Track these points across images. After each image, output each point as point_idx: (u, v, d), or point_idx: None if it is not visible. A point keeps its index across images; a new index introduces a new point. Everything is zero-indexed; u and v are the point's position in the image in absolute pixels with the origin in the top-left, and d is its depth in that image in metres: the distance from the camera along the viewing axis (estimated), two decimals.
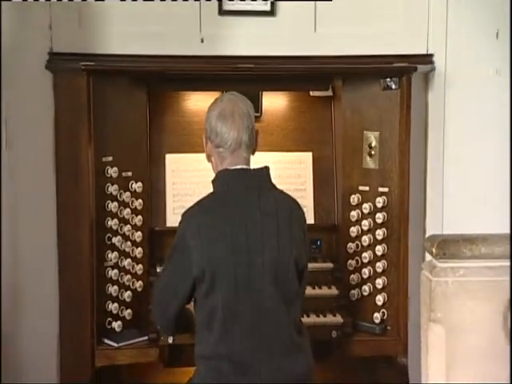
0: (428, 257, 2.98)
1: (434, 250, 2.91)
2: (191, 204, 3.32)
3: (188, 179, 4.03)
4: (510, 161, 4.08)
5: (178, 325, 3.34)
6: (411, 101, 3.95)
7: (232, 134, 3.25)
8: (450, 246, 2.92)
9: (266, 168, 3.31)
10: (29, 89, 4.03)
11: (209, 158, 3.36)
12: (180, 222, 3.28)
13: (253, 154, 3.33)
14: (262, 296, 3.19)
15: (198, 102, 4.09)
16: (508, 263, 2.93)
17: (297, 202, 3.39)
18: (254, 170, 3.33)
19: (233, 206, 3.23)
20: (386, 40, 4.20)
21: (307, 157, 4.17)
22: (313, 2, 4.22)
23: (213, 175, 3.33)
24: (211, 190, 3.31)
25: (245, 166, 3.27)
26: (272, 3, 4.18)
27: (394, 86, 3.98)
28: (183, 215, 3.28)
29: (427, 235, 3.95)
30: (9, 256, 4.06)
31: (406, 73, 3.94)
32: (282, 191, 3.36)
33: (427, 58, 4.21)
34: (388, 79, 3.98)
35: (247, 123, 3.27)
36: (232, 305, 3.17)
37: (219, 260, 3.15)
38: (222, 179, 3.27)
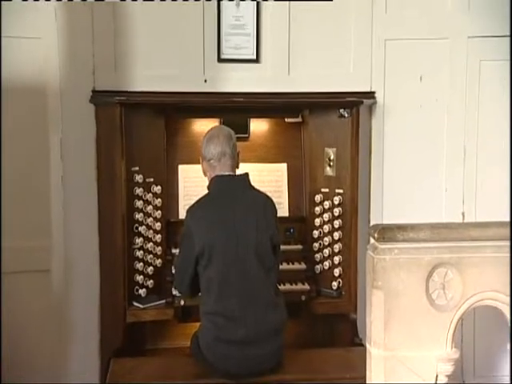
0: (371, 240, 2.99)
1: (375, 235, 2.93)
2: (189, 206, 3.47)
3: (195, 183, 4.01)
4: None
5: (191, 289, 3.43)
6: (359, 125, 3.96)
7: (217, 148, 3.45)
8: (387, 232, 2.94)
9: (246, 174, 3.49)
10: (77, 117, 3.98)
11: (204, 173, 3.53)
12: (185, 216, 3.43)
13: (237, 167, 3.47)
14: (248, 265, 3.31)
15: (202, 126, 4.06)
16: (429, 244, 2.96)
17: (269, 197, 3.54)
18: (237, 175, 3.51)
19: (222, 202, 3.40)
20: (340, 81, 4.16)
21: (283, 167, 4.16)
22: (286, 54, 4.14)
23: None
24: None
25: (231, 173, 3.45)
26: (257, 54, 4.13)
27: (346, 115, 3.97)
28: (187, 210, 3.45)
29: (371, 224, 3.99)
30: (61, 240, 4.02)
31: (355, 105, 3.95)
32: (258, 190, 3.52)
33: (370, 95, 4.19)
34: (342, 110, 3.98)
35: (228, 141, 3.50)
36: (225, 273, 3.30)
37: (214, 240, 3.29)
38: (213, 183, 3.45)
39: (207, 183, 3.57)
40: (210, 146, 3.45)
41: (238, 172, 3.56)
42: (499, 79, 4.14)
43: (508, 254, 2.90)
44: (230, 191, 3.43)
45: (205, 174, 3.55)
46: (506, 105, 4.13)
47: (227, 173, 3.44)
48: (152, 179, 3.88)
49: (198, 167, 3.86)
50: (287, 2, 4.12)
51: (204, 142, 3.51)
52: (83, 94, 3.97)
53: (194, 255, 3.32)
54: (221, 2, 4.07)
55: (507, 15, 4.09)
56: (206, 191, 3.55)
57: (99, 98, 3.98)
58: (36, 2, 3.85)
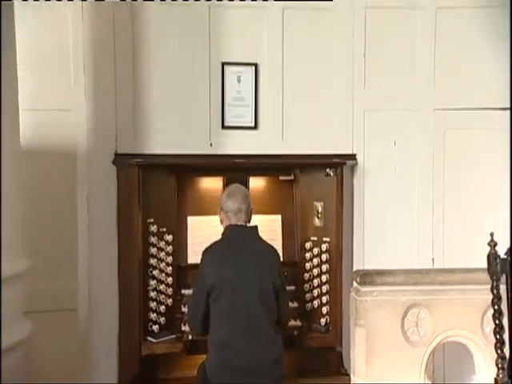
0: (354, 284, 3.02)
1: (358, 279, 2.99)
2: (204, 248, 3.41)
3: (201, 233, 3.98)
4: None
5: (203, 325, 3.36)
6: (343, 183, 3.96)
7: (235, 204, 3.42)
8: (368, 277, 3.00)
9: (256, 226, 3.47)
10: (101, 176, 4.02)
11: (221, 222, 3.50)
12: (201, 256, 3.41)
13: (249, 221, 3.46)
14: (251, 304, 3.28)
15: (208, 183, 4.07)
16: (404, 288, 3.01)
17: (274, 249, 3.51)
18: (248, 226, 3.47)
19: (233, 247, 3.38)
20: (326, 144, 4.22)
21: (278, 218, 4.14)
22: (280, 122, 4.20)
23: (217, 231, 3.43)
24: (217, 239, 3.41)
25: (243, 224, 3.43)
26: (255, 122, 4.19)
27: (332, 174, 3.98)
28: (203, 252, 3.42)
29: (354, 268, 4.03)
30: (86, 282, 4.04)
31: (339, 166, 3.96)
32: (264, 241, 3.49)
33: (352, 157, 4.24)
34: (328, 169, 3.98)
35: (245, 200, 3.45)
36: (231, 308, 3.27)
37: (223, 279, 3.27)
38: (227, 230, 3.44)
39: (215, 231, 3.54)
40: (229, 201, 3.45)
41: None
42: (461, 145, 4.23)
43: (472, 296, 2.96)
44: (241, 239, 3.44)
45: (221, 223, 3.53)
46: (468, 167, 4.22)
47: (240, 223, 3.44)
48: (165, 229, 3.87)
49: (204, 218, 3.89)
50: (280, 80, 4.19)
51: (224, 197, 3.50)
52: (107, 157, 4.02)
53: (206, 290, 3.30)
54: (224, 78, 4.14)
55: (468, 89, 4.23)
56: (211, 239, 3.51)
57: (120, 160, 4.02)
58: (68, 78, 3.95)
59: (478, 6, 4.19)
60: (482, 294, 2.78)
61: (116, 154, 4.04)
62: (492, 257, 2.72)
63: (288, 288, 4.01)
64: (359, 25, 4.19)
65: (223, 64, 4.13)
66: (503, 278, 2.73)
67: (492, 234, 2.86)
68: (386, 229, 4.26)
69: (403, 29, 4.22)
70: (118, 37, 4.00)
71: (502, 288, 2.64)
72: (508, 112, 4.20)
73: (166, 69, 4.08)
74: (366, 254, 4.25)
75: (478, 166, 4.23)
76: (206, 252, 3.41)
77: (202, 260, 3.39)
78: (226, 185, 3.96)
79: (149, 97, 4.08)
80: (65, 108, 3.95)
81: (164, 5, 4.04)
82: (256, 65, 4.16)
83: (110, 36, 3.99)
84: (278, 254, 3.50)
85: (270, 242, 3.78)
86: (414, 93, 4.27)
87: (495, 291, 2.65)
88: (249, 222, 3.49)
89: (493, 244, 2.79)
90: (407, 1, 4.19)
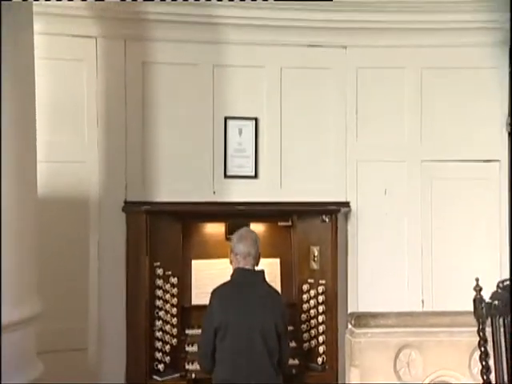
0: (349, 325, 3.02)
1: (352, 321, 2.99)
2: (208, 291, 3.42)
3: (205, 275, 3.97)
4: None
5: (211, 363, 3.33)
6: (337, 229, 3.97)
7: (245, 248, 3.43)
8: (361, 320, 3.00)
9: (262, 271, 3.50)
10: (112, 222, 4.03)
11: (231, 262, 3.51)
12: (210, 296, 3.41)
13: (257, 264, 3.48)
14: (255, 346, 3.28)
15: (211, 229, 4.07)
16: (396, 330, 3.01)
17: (278, 293, 3.54)
18: (256, 271, 3.48)
19: (240, 290, 3.40)
20: (322, 192, 4.23)
21: (277, 261, 4.12)
22: (278, 172, 4.23)
23: (220, 274, 3.48)
24: (219, 282, 3.42)
25: (251, 267, 3.45)
26: (255, 171, 4.23)
27: (327, 220, 3.98)
28: (212, 292, 3.43)
29: (349, 311, 3.99)
30: (95, 323, 4.02)
31: (334, 212, 3.98)
32: (270, 285, 3.51)
33: (346, 204, 4.26)
34: (324, 216, 3.99)
35: (254, 244, 3.47)
36: (235, 349, 3.26)
37: (229, 319, 3.28)
38: (236, 273, 3.45)
39: (218, 274, 3.61)
40: (239, 244, 3.46)
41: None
42: (447, 194, 4.27)
43: (460, 338, 2.95)
44: (248, 283, 3.43)
45: (230, 263, 3.53)
46: (454, 214, 4.25)
47: (248, 267, 3.44)
48: (170, 272, 3.86)
49: (208, 262, 3.89)
50: (279, 133, 4.25)
51: (235, 239, 3.50)
52: (117, 205, 4.04)
53: (213, 329, 3.29)
54: (227, 131, 4.20)
55: (453, 142, 4.30)
56: (214, 282, 3.53)
57: (130, 207, 4.05)
58: (83, 132, 4.01)
59: (459, 66, 4.28)
60: (470, 336, 2.78)
61: (126, 202, 4.07)
62: (477, 301, 2.73)
63: None
64: (351, 82, 4.27)
65: (226, 118, 4.21)
66: (489, 321, 2.74)
67: (477, 280, 2.88)
68: (378, 272, 4.24)
69: (392, 86, 4.29)
70: (129, 93, 4.08)
71: (488, 331, 2.65)
72: (492, 163, 4.27)
73: (173, 122, 4.15)
74: (360, 295, 4.23)
75: (463, 213, 4.26)
76: (214, 292, 3.41)
77: (210, 300, 3.38)
78: (228, 230, 3.97)
79: (157, 148, 4.14)
80: (79, 160, 4.00)
81: (172, 64, 4.13)
82: (256, 119, 4.23)
83: (121, 92, 4.07)
84: (281, 298, 3.50)
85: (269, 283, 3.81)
86: (403, 145, 4.33)
87: (481, 334, 2.65)
88: (257, 265, 3.49)
89: (478, 289, 2.80)
90: (394, 62, 4.27)
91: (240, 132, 4.23)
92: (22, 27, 3.03)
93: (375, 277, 4.24)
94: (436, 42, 4.22)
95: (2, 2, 2.86)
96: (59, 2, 3.76)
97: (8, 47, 2.91)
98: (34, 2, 3.17)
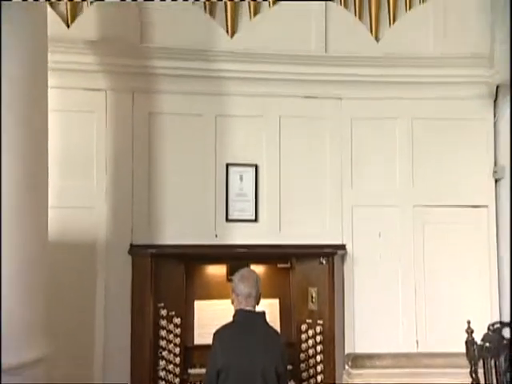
0: (346, 366, 3.02)
1: (349, 363, 3.01)
2: (210, 331, 3.42)
3: (207, 315, 3.96)
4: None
5: None
6: (334, 270, 3.99)
7: (246, 289, 3.43)
8: (358, 361, 3.02)
9: (263, 312, 3.49)
10: (118, 265, 4.05)
11: (232, 302, 3.50)
12: (213, 337, 3.40)
13: (257, 303, 3.48)
14: None
15: (213, 270, 4.09)
16: (391, 371, 3.01)
17: (278, 334, 3.53)
18: (257, 312, 3.47)
19: (242, 331, 3.39)
20: (319, 236, 4.24)
21: (276, 302, 4.12)
22: (278, 216, 4.23)
23: (221, 314, 3.50)
24: (221, 323, 3.42)
25: (252, 309, 3.45)
26: (256, 215, 4.25)
27: (324, 262, 4.00)
28: (215, 333, 3.43)
29: (346, 351, 3.96)
30: (100, 368, 4.00)
31: (331, 255, 4.00)
32: (271, 326, 3.51)
33: (342, 247, 4.27)
34: (321, 258, 4.00)
35: (255, 284, 3.46)
36: None
37: (231, 360, 3.28)
38: (238, 314, 3.45)
39: (220, 314, 3.60)
40: (241, 285, 3.45)
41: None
42: (438, 237, 4.30)
43: (454, 380, 2.95)
44: (250, 324, 3.43)
45: (232, 303, 3.52)
46: (445, 256, 4.26)
47: (249, 308, 3.44)
48: (173, 312, 3.85)
49: (210, 302, 3.89)
50: (278, 179, 4.28)
51: (236, 280, 3.49)
52: (123, 248, 4.07)
53: (216, 370, 3.29)
54: (228, 177, 4.24)
55: (443, 188, 4.34)
56: (216, 322, 3.54)
57: (135, 250, 4.07)
58: (92, 179, 4.07)
59: (448, 117, 4.36)
60: (463, 378, 2.79)
61: (132, 245, 4.09)
62: (469, 343, 2.76)
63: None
64: (346, 132, 4.34)
65: (227, 165, 4.26)
66: (481, 363, 2.76)
67: (469, 322, 2.91)
68: (373, 313, 4.23)
69: (384, 136, 4.36)
70: (136, 142, 4.15)
71: (480, 372, 2.66)
72: (480, 209, 4.33)
73: (177, 169, 4.20)
74: (357, 336, 4.19)
75: (454, 256, 4.28)
76: (217, 334, 3.41)
77: (213, 342, 3.38)
78: (229, 272, 3.97)
79: (162, 193, 4.18)
80: (88, 206, 4.05)
81: (178, 115, 4.21)
82: (256, 165, 4.28)
83: (129, 141, 4.14)
84: (281, 340, 3.49)
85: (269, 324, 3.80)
86: (396, 191, 4.37)
87: (474, 375, 2.67)
88: (257, 304, 3.49)
89: (470, 331, 2.83)
90: (387, 113, 4.35)
91: (241, 178, 4.27)
92: (38, 86, 3.13)
93: (371, 317, 4.23)
94: (426, 95, 4.31)
95: None
96: (72, 59, 3.88)
97: (24, 102, 3.02)
98: (49, 59, 3.28)
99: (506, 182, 4.23)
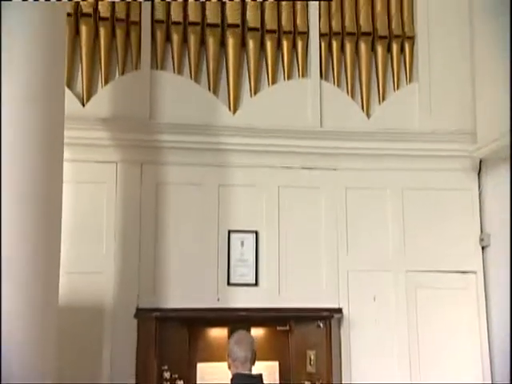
0: None
1: None
2: None
3: (209, 378, 3.96)
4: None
5: None
6: (331, 333, 4.00)
7: (242, 353, 3.31)
8: None
9: (261, 375, 3.39)
10: (124, 328, 4.03)
11: (229, 367, 3.39)
12: None
13: (253, 364, 3.38)
14: None
15: (215, 333, 4.12)
16: None
17: None
18: (254, 375, 3.35)
19: None
20: (317, 300, 4.24)
21: (275, 364, 4.14)
22: (277, 280, 4.26)
23: (223, 376, 3.44)
24: (223, 382, 3.42)
25: (249, 372, 3.35)
26: (256, 279, 4.28)
27: (322, 325, 4.02)
28: None
29: None
30: None
31: (328, 318, 4.05)
32: None
33: (339, 310, 4.28)
34: (319, 321, 4.03)
35: (251, 347, 3.36)
36: None
37: None
38: (236, 378, 3.34)
39: (221, 376, 3.55)
40: (236, 348, 3.35)
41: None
42: (430, 301, 4.33)
43: None
44: None
45: (228, 368, 3.41)
46: (438, 318, 4.28)
47: (246, 372, 3.35)
48: (177, 375, 3.85)
49: (212, 365, 3.89)
50: (277, 244, 4.35)
51: (232, 343, 3.40)
52: (129, 311, 4.09)
53: None
54: (230, 243, 4.30)
55: (434, 254, 4.39)
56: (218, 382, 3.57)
57: (141, 313, 4.10)
58: (101, 245, 4.17)
59: (436, 188, 4.48)
60: None
61: (137, 309, 4.11)
62: None
63: None
64: (341, 200, 4.44)
65: (229, 231, 4.34)
66: None
67: None
68: (370, 375, 4.22)
69: (377, 204, 4.46)
70: (144, 210, 4.25)
71: None
72: (469, 275, 4.39)
73: (182, 235, 4.28)
74: None
75: (446, 320, 4.31)
76: None
77: None
78: (230, 334, 3.81)
79: (167, 259, 4.24)
80: (96, 271, 4.11)
81: (183, 185, 4.33)
82: (256, 232, 4.35)
83: (137, 210, 4.25)
84: None
85: None
86: (389, 257, 4.43)
87: None
88: (253, 364, 3.39)
89: None
90: (379, 183, 4.47)
91: (242, 244, 4.34)
92: (54, 160, 3.29)
93: (368, 379, 4.21)
94: (414, 167, 4.46)
95: None
96: (86, 134, 4.06)
97: (41, 175, 3.17)
98: (65, 135, 3.44)
99: (492, 249, 4.32)
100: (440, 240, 4.42)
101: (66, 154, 3.47)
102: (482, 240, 4.41)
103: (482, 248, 4.43)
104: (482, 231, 4.45)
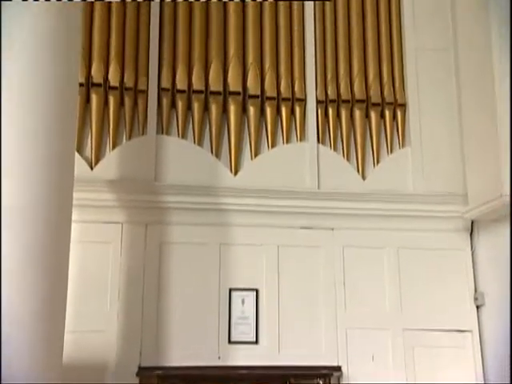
0: None
1: None
2: None
3: None
4: None
5: None
6: None
7: None
8: None
9: None
10: None
11: None
12: None
13: None
14: None
15: None
16: None
17: None
18: None
19: None
20: (316, 358, 4.19)
21: None
22: (277, 338, 4.22)
23: None
24: None
25: None
26: (256, 337, 4.24)
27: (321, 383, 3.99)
28: None
29: None
30: None
31: (327, 376, 4.04)
32: None
33: (338, 368, 4.21)
34: (318, 379, 4.00)
35: None
36: None
37: None
38: None
39: None
40: None
41: None
42: (427, 359, 4.27)
43: None
44: None
45: None
46: (434, 378, 4.20)
47: None
48: None
49: None
50: (277, 302, 4.32)
51: None
52: (131, 370, 4.04)
53: None
54: (231, 301, 4.28)
55: (430, 313, 4.37)
56: None
57: (143, 372, 4.05)
58: (105, 304, 4.14)
59: (430, 247, 4.50)
60: None
61: (140, 367, 4.07)
62: None
63: None
64: (339, 259, 4.46)
65: (230, 289, 4.33)
66: None
67: None
68: None
69: (374, 263, 4.47)
70: (148, 269, 4.26)
71: None
72: (465, 333, 4.35)
73: (184, 293, 4.27)
74: None
75: (443, 378, 4.24)
76: None
77: None
78: None
79: (169, 317, 4.22)
80: (99, 329, 4.08)
81: (186, 244, 4.35)
82: (257, 290, 4.35)
83: (141, 269, 4.25)
84: None
85: None
86: (386, 315, 4.40)
87: None
88: None
89: None
90: (375, 242, 4.49)
91: (243, 302, 4.32)
92: (62, 222, 3.34)
93: None
94: (409, 227, 4.50)
95: None
96: (93, 196, 4.13)
97: (49, 238, 3.21)
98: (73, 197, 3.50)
99: (486, 309, 4.30)
100: (436, 299, 4.41)
101: (74, 215, 3.50)
102: (476, 299, 4.40)
103: (477, 307, 4.41)
104: (476, 290, 4.44)
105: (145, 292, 4.23)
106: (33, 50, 3.24)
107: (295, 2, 4.79)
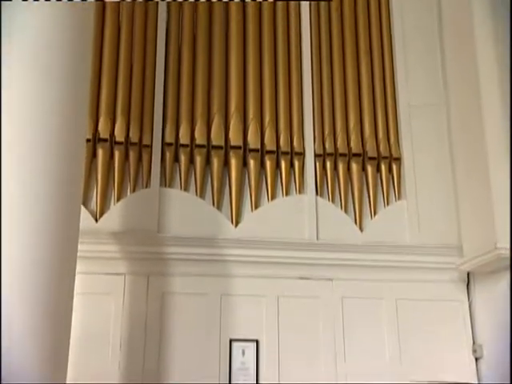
0: None
1: None
2: None
3: None
4: None
5: None
6: None
7: None
8: None
9: None
10: None
11: None
12: None
13: None
14: None
15: None
16: None
17: None
18: None
19: None
20: None
21: None
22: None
23: None
24: None
25: None
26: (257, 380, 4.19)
27: None
28: None
29: None
30: None
31: None
32: None
33: None
34: None
35: None
36: None
37: None
38: None
39: None
40: None
41: None
42: None
43: None
44: None
45: None
46: None
47: None
48: None
49: None
50: (277, 353, 4.28)
51: None
52: None
53: None
54: (232, 352, 4.21)
55: (427, 365, 4.29)
56: None
57: None
58: (106, 355, 4.09)
59: (428, 299, 4.44)
60: None
61: None
62: None
63: None
64: (338, 310, 4.41)
65: (231, 340, 4.28)
66: None
67: None
68: None
69: (372, 314, 4.42)
70: (150, 320, 4.21)
71: None
72: None
73: (185, 344, 4.21)
74: None
75: None
76: None
77: None
78: None
79: (170, 367, 4.14)
80: (100, 380, 3.99)
81: (187, 294, 4.32)
82: (257, 341, 4.30)
83: (143, 320, 4.20)
84: None
85: None
86: (386, 366, 4.33)
87: None
88: None
89: None
90: (373, 293, 4.47)
91: (243, 352, 4.28)
92: (67, 273, 3.34)
93: None
94: (406, 278, 4.47)
95: None
96: (97, 248, 4.14)
97: (54, 291, 3.20)
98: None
99: (485, 361, 4.23)
100: (435, 350, 4.34)
101: (78, 267, 3.50)
102: (474, 351, 4.33)
103: (476, 359, 4.34)
104: (474, 342, 4.39)
105: (146, 342, 4.18)
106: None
107: (293, 57, 4.91)
